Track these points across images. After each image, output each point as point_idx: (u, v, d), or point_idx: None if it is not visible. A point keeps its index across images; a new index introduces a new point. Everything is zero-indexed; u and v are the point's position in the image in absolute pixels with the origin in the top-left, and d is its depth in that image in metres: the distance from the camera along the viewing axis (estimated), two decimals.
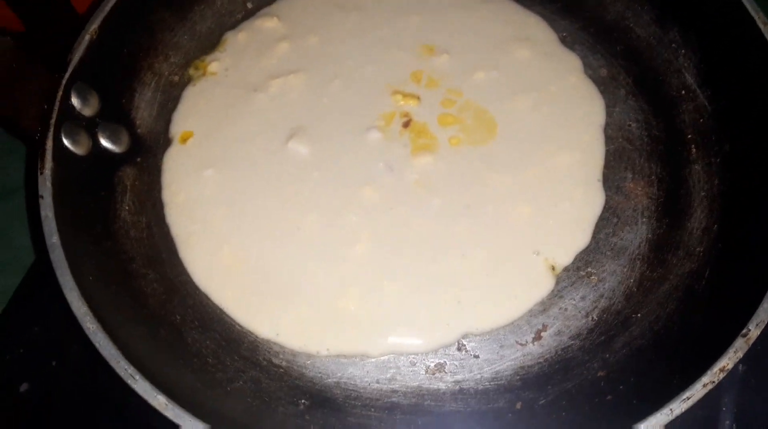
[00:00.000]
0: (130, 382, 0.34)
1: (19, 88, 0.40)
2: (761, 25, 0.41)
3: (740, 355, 0.33)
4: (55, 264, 0.37)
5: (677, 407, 0.32)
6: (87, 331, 0.36)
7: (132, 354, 0.35)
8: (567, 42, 0.51)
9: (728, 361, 0.32)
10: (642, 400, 0.34)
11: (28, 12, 0.55)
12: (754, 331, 0.33)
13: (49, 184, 0.40)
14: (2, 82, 0.39)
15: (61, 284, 0.37)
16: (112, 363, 0.35)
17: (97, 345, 0.35)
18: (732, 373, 0.40)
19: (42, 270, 0.51)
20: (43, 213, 0.39)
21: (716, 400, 0.43)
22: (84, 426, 0.46)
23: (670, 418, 0.31)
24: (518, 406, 0.38)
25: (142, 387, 0.34)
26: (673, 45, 0.49)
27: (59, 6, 0.56)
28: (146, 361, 0.36)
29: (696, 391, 0.32)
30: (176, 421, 0.33)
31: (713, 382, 0.32)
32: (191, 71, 0.52)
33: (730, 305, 0.36)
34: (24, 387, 0.47)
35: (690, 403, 0.32)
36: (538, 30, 0.52)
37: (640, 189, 0.45)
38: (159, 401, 0.33)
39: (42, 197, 0.39)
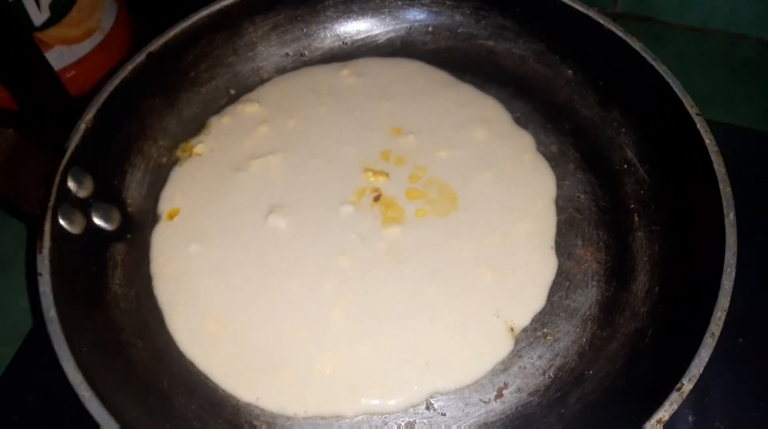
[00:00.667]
0: None
1: (20, 175, 0.44)
2: (688, 107, 0.47)
3: (675, 407, 0.36)
4: (53, 336, 0.41)
5: None
6: (82, 399, 0.38)
7: (123, 418, 0.38)
8: (521, 122, 0.57)
9: (664, 413, 0.36)
10: None
11: (21, 92, 0.59)
12: (687, 385, 0.37)
13: (47, 262, 0.44)
14: (5, 170, 0.43)
15: (58, 355, 0.40)
16: (104, 427, 0.38)
17: (91, 412, 0.38)
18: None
19: (39, 339, 0.54)
20: (41, 289, 0.43)
21: None
22: None
23: None
24: None
25: None
26: (615, 124, 0.55)
27: (52, 88, 0.60)
28: (136, 424, 0.39)
29: None
30: None
31: None
32: (178, 153, 0.57)
33: (668, 361, 0.40)
34: None
35: None
36: (494, 112, 0.57)
37: (589, 255, 0.50)
38: None
39: (41, 275, 0.43)
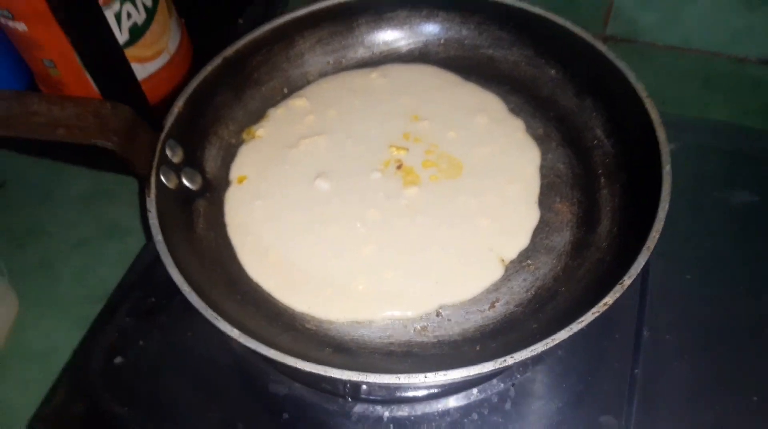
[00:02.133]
0: (214, 321, 0.49)
1: (135, 141, 0.58)
2: (640, 92, 0.59)
3: (617, 295, 0.49)
4: (161, 252, 0.53)
5: (575, 326, 0.47)
6: (184, 293, 0.50)
7: (215, 307, 0.51)
8: (514, 111, 0.67)
9: (608, 299, 0.48)
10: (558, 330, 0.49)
11: (113, 98, 0.67)
12: (627, 280, 0.49)
13: (154, 202, 0.56)
14: (126, 137, 0.57)
15: (165, 263, 0.52)
16: (202, 311, 0.49)
17: (191, 301, 0.49)
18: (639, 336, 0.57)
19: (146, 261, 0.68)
20: (150, 221, 0.54)
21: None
22: (164, 386, 0.61)
23: (570, 333, 0.47)
24: (477, 348, 0.54)
25: (222, 324, 0.49)
26: (588, 110, 0.65)
27: (136, 95, 0.70)
28: (222, 313, 0.52)
29: (587, 317, 0.48)
30: (248, 344, 0.49)
31: (598, 312, 0.48)
32: (244, 136, 0.68)
33: (618, 273, 0.52)
34: (118, 360, 0.62)
35: (583, 324, 0.48)
36: (492, 104, 0.68)
37: (565, 208, 0.61)
38: (234, 332, 0.49)
39: (150, 211, 0.55)
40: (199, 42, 0.86)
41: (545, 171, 0.63)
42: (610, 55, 0.63)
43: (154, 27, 0.76)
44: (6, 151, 0.82)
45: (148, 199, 0.57)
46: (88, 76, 0.72)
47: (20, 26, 0.69)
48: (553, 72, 0.69)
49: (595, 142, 0.64)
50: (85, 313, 0.67)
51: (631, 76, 0.61)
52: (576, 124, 0.66)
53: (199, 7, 0.89)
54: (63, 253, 0.74)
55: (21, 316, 0.69)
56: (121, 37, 0.71)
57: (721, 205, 0.66)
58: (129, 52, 0.71)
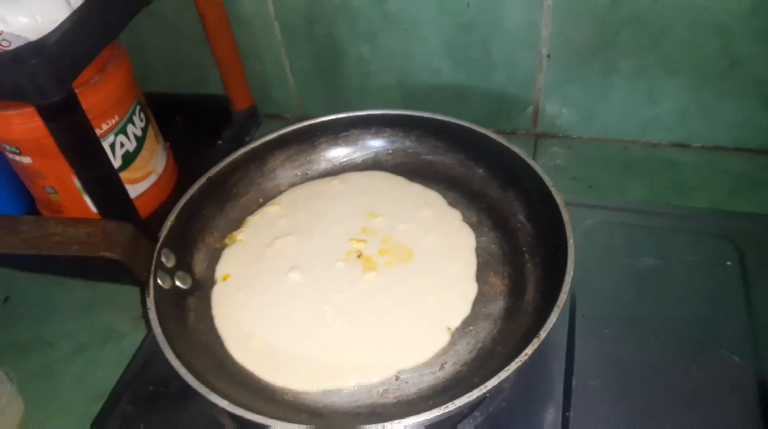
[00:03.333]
0: (207, 395, 0.55)
1: (137, 253, 0.69)
2: (548, 183, 0.71)
3: (535, 347, 0.58)
4: (160, 342, 0.58)
5: (503, 374, 0.56)
6: (182, 375, 0.55)
7: (207, 384, 0.60)
8: (452, 204, 0.76)
9: (528, 350, 0.56)
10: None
11: (111, 216, 0.72)
12: (542, 334, 0.59)
13: (153, 302, 0.61)
14: (130, 250, 0.68)
15: (164, 352, 0.57)
16: (196, 387, 0.55)
17: (187, 381, 0.55)
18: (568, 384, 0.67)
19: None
20: (150, 317, 0.60)
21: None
22: None
23: (499, 380, 0.57)
24: (430, 403, 0.59)
25: (214, 397, 0.56)
26: (510, 199, 0.74)
27: (130, 213, 0.74)
28: (214, 389, 0.61)
29: (511, 366, 0.57)
30: (236, 413, 0.57)
31: (521, 361, 0.57)
32: (227, 240, 0.75)
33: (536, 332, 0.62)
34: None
35: (509, 372, 0.57)
36: (434, 199, 0.77)
37: (498, 281, 0.68)
38: (224, 403, 0.57)
39: (149, 308, 0.61)
40: (183, 161, 0.93)
41: (480, 251, 0.71)
42: (522, 154, 0.75)
43: (144, 153, 0.82)
44: (9, 268, 0.87)
45: (147, 299, 0.66)
46: (86, 199, 0.78)
47: (26, 160, 0.76)
48: (481, 171, 0.79)
49: (519, 224, 0.73)
50: (87, 411, 0.70)
51: (539, 170, 0.73)
52: (503, 211, 0.75)
53: (183, 132, 0.98)
54: (64, 359, 0.78)
55: (27, 419, 0.72)
56: (115, 163, 0.76)
57: (631, 268, 0.76)
58: (122, 176, 0.75)
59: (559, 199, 0.69)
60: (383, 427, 0.55)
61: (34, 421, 0.72)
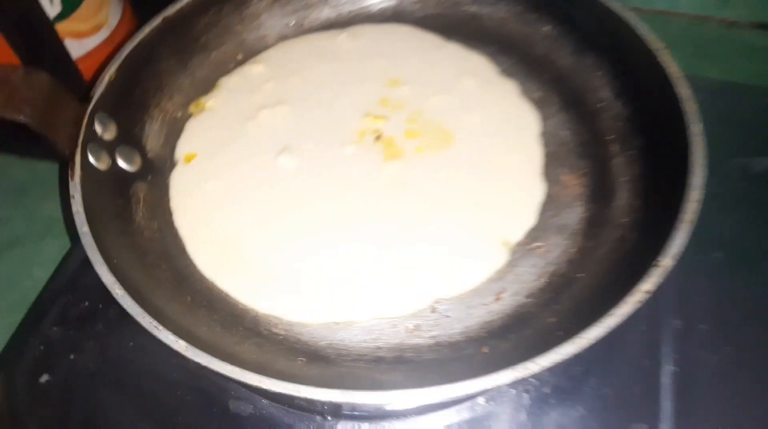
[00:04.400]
0: (154, 332, 0.39)
1: (55, 114, 0.48)
2: (652, 44, 0.52)
3: (658, 280, 0.40)
4: (86, 246, 0.44)
5: (611, 321, 0.39)
6: (116, 297, 0.41)
7: (156, 313, 0.41)
8: (506, 73, 0.60)
9: (648, 285, 0.40)
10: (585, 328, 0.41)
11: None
12: (667, 262, 0.41)
13: (78, 186, 0.47)
14: (44, 108, 0.47)
15: (92, 261, 0.43)
16: (139, 318, 0.40)
17: (125, 306, 0.41)
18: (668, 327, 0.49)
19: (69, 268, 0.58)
20: (74, 209, 0.46)
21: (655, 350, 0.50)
22: (100, 407, 0.51)
23: (606, 330, 0.38)
24: (485, 350, 0.45)
25: (164, 335, 0.39)
26: (590, 68, 0.58)
27: (70, 76, 0.65)
28: (165, 320, 0.42)
29: (623, 309, 0.39)
30: (197, 359, 0.39)
31: (638, 301, 0.39)
32: (191, 108, 0.60)
33: (650, 256, 0.43)
34: (44, 378, 0.52)
35: (619, 319, 0.39)
36: (481, 65, 0.61)
37: (574, 180, 0.53)
38: (180, 345, 0.39)
39: (73, 197, 0.46)
40: (145, 15, 0.76)
41: (547, 138, 0.56)
42: (614, 6, 0.55)
43: None
44: None
45: (71, 183, 0.48)
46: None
47: None
48: (547, 29, 0.63)
49: (602, 103, 0.57)
50: (16, 321, 0.59)
51: (642, 28, 0.53)
52: (577, 85, 0.59)
53: None
54: None
55: None
56: (53, 8, 0.65)
57: (744, 172, 0.57)
58: (63, 26, 0.65)
59: (673, 68, 0.51)
60: (426, 393, 0.35)
61: None
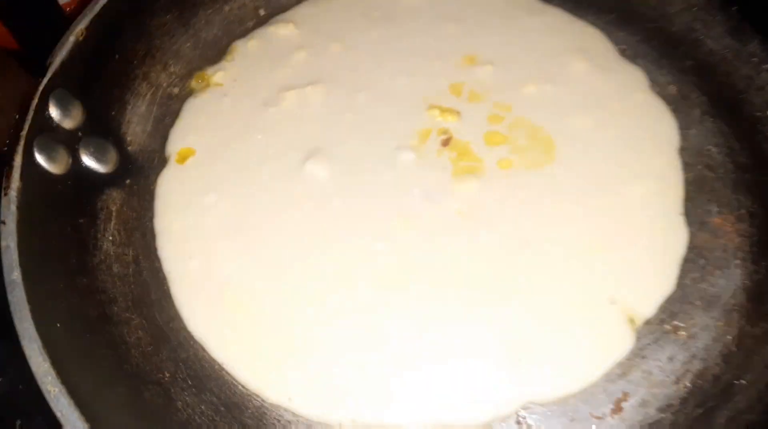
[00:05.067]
0: None
1: None
2: None
3: None
4: (14, 307, 0.31)
5: None
6: (47, 395, 0.28)
7: (103, 424, 0.28)
8: (627, 55, 0.47)
9: None
10: None
11: (22, 29, 0.51)
12: None
13: (14, 207, 0.35)
14: None
15: (18, 333, 0.30)
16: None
17: (58, 414, 0.28)
18: None
19: None
20: (3, 243, 0.34)
21: None
22: None
23: None
24: None
25: None
26: (754, 59, 0.45)
27: (55, 23, 0.51)
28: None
29: None
30: None
31: None
32: (193, 83, 0.48)
33: None
34: None
35: None
36: (593, 42, 0.47)
37: (729, 225, 0.39)
38: None
39: (3, 223, 0.33)
40: None
41: (688, 158, 0.43)
42: None
43: None
44: None
45: (2, 199, 0.35)
46: None
47: None
48: None
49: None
50: None
51: None
52: (733, 81, 0.45)
53: None
54: None
55: None
56: None
57: None
58: None
59: None
60: None
61: None
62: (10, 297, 0.31)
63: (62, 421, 0.28)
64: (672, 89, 0.46)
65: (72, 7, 0.57)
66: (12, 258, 0.32)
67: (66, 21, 0.55)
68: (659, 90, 0.46)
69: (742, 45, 0.46)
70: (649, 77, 0.46)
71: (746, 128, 0.43)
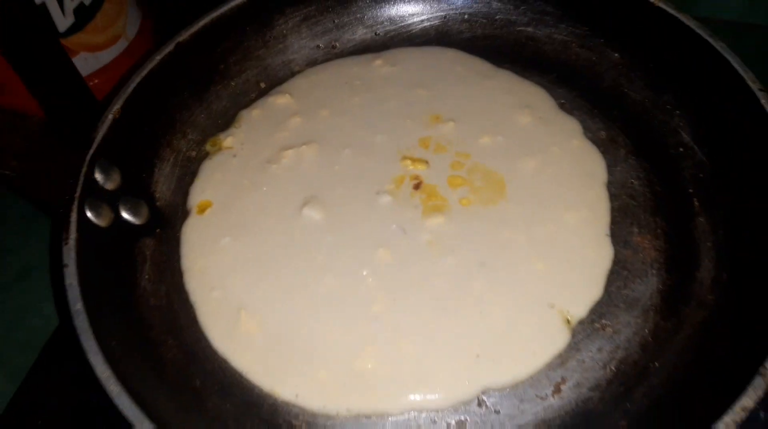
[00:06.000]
0: None
1: (47, 164, 0.42)
2: (750, 84, 0.44)
3: (760, 393, 0.33)
4: (79, 330, 0.38)
5: None
6: (111, 395, 0.36)
7: (156, 416, 0.35)
8: (566, 108, 0.54)
9: (749, 400, 0.33)
10: None
11: (48, 99, 0.58)
12: None
13: (73, 253, 0.42)
14: (30, 160, 0.41)
15: (85, 349, 0.38)
16: (137, 425, 0.35)
17: (120, 407, 0.35)
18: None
19: (61, 341, 0.52)
20: (67, 281, 0.40)
21: None
22: None
23: None
24: None
25: None
26: (668, 107, 0.52)
27: (79, 94, 0.58)
28: (170, 422, 0.36)
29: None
30: None
31: (735, 421, 0.32)
32: (208, 147, 0.55)
33: (746, 347, 0.36)
34: None
35: None
36: (537, 98, 0.55)
37: (647, 242, 0.46)
38: None
39: (67, 266, 0.41)
40: (165, 28, 0.76)
41: (615, 190, 0.50)
42: (702, 32, 0.48)
43: (107, 7, 0.66)
44: None
45: (64, 249, 0.42)
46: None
47: None
48: (616, 56, 0.57)
49: (681, 149, 0.51)
50: (23, 365, 0.56)
51: (735, 61, 0.47)
52: (652, 126, 0.53)
53: None
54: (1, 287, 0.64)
55: None
56: (65, 20, 0.62)
57: None
58: (77, 39, 0.63)
59: None
60: None
61: None
62: (75, 322, 0.38)
63: (125, 414, 0.36)
64: (602, 134, 0.53)
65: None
66: (75, 293, 0.40)
67: (89, 94, 0.62)
68: (591, 135, 0.53)
69: (658, 95, 0.53)
70: (582, 125, 0.53)
71: (663, 164, 0.51)
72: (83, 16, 0.63)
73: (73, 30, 0.63)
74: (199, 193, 0.52)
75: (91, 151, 0.46)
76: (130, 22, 0.70)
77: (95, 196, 0.46)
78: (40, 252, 0.65)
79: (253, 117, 0.56)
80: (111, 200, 0.47)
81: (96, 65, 0.66)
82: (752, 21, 0.75)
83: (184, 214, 0.51)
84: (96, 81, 0.66)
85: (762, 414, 0.43)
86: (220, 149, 0.55)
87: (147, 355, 0.42)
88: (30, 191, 0.41)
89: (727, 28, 0.71)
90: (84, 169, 0.45)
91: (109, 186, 0.47)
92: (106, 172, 0.47)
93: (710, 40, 0.47)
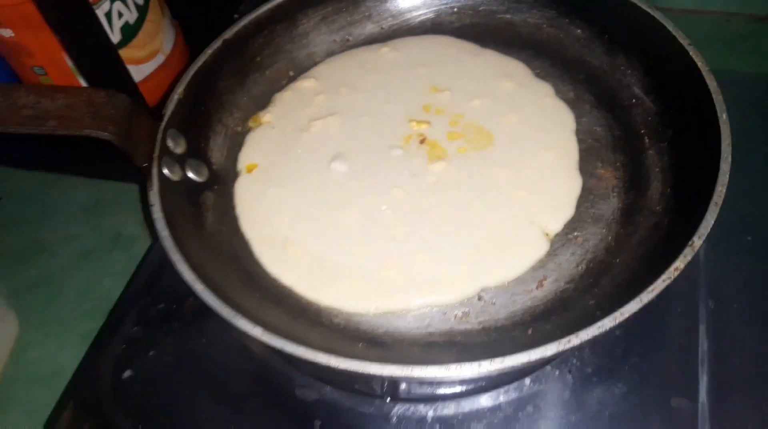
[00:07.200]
0: (233, 320, 0.43)
1: (134, 132, 0.53)
2: (681, 40, 0.55)
3: (688, 258, 0.43)
4: (168, 249, 0.48)
5: (645, 297, 0.42)
6: (197, 292, 0.45)
7: (232, 305, 0.45)
8: (540, 75, 0.63)
9: (679, 263, 0.43)
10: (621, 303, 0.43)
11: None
12: (697, 241, 0.43)
13: (157, 196, 0.51)
14: (124, 128, 0.51)
15: (172, 260, 0.47)
16: (218, 309, 0.44)
17: (205, 300, 0.44)
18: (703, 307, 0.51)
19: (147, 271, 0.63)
20: (154, 216, 0.50)
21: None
22: (178, 397, 0.55)
23: (641, 304, 0.42)
24: (529, 332, 0.48)
25: (242, 323, 0.43)
26: (621, 68, 0.61)
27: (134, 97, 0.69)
28: (242, 311, 0.46)
29: (657, 285, 0.42)
30: (272, 343, 0.43)
31: (669, 278, 0.42)
32: (250, 123, 0.64)
33: (681, 234, 0.46)
34: (127, 374, 0.56)
35: (654, 294, 0.42)
36: (516, 69, 0.64)
37: (608, 173, 0.56)
38: (257, 331, 0.44)
39: (152, 205, 0.50)
40: (195, 43, 0.82)
41: (582, 135, 0.59)
42: (642, 4, 0.58)
43: (147, 26, 0.74)
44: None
45: (150, 193, 0.52)
46: (82, 82, 0.70)
47: (7, 33, 0.67)
48: (578, 32, 0.66)
49: (633, 100, 0.60)
50: (91, 328, 0.64)
51: (669, 25, 0.56)
52: (609, 84, 0.62)
53: (192, 7, 0.87)
54: (64, 268, 0.71)
55: (22, 337, 0.66)
56: (113, 37, 0.69)
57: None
58: (122, 54, 0.68)
59: (701, 62, 0.53)
60: (479, 366, 0.39)
61: (30, 339, 0.66)
62: (164, 244, 0.48)
63: (207, 302, 0.45)
64: (570, 94, 0.61)
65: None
66: (161, 223, 0.48)
67: (141, 97, 0.70)
68: (562, 95, 0.61)
69: (613, 60, 0.62)
70: (554, 88, 0.62)
71: (619, 113, 0.60)
72: (128, 34, 0.70)
73: (119, 45, 0.69)
74: (247, 158, 0.60)
75: (164, 123, 0.55)
76: (166, 38, 0.77)
77: (168, 157, 0.54)
78: (96, 237, 0.73)
79: (285, 98, 0.65)
80: (180, 161, 0.55)
81: (139, 76, 0.73)
82: (706, 8, 0.82)
83: (235, 174, 0.60)
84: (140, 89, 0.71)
85: (711, 303, 0.53)
86: (260, 124, 0.63)
87: (216, 273, 0.50)
88: (123, 152, 0.52)
89: (683, 16, 0.81)
90: (159, 136, 0.54)
91: (178, 150, 0.56)
92: (175, 140, 0.56)
93: (649, 11, 0.57)
